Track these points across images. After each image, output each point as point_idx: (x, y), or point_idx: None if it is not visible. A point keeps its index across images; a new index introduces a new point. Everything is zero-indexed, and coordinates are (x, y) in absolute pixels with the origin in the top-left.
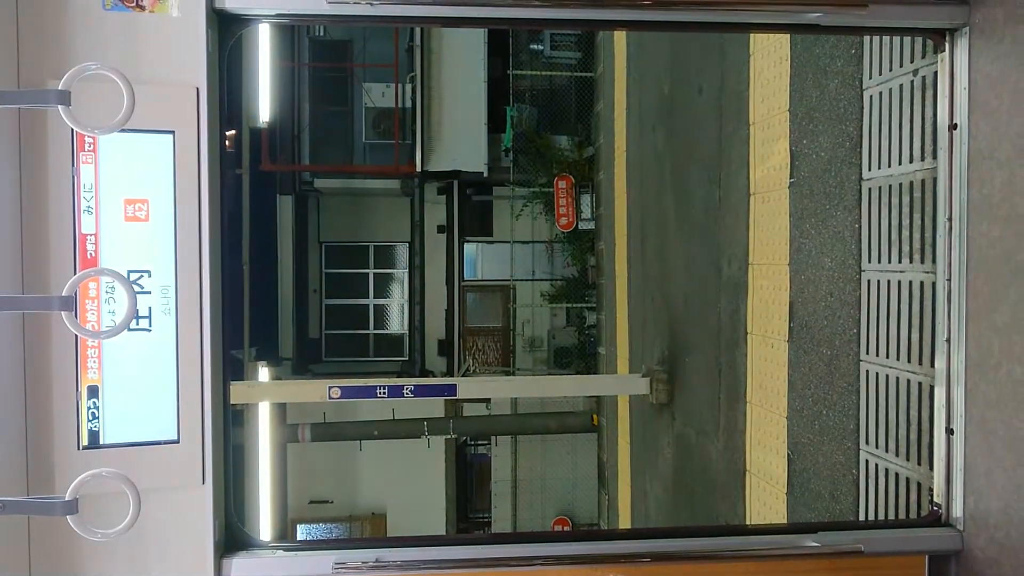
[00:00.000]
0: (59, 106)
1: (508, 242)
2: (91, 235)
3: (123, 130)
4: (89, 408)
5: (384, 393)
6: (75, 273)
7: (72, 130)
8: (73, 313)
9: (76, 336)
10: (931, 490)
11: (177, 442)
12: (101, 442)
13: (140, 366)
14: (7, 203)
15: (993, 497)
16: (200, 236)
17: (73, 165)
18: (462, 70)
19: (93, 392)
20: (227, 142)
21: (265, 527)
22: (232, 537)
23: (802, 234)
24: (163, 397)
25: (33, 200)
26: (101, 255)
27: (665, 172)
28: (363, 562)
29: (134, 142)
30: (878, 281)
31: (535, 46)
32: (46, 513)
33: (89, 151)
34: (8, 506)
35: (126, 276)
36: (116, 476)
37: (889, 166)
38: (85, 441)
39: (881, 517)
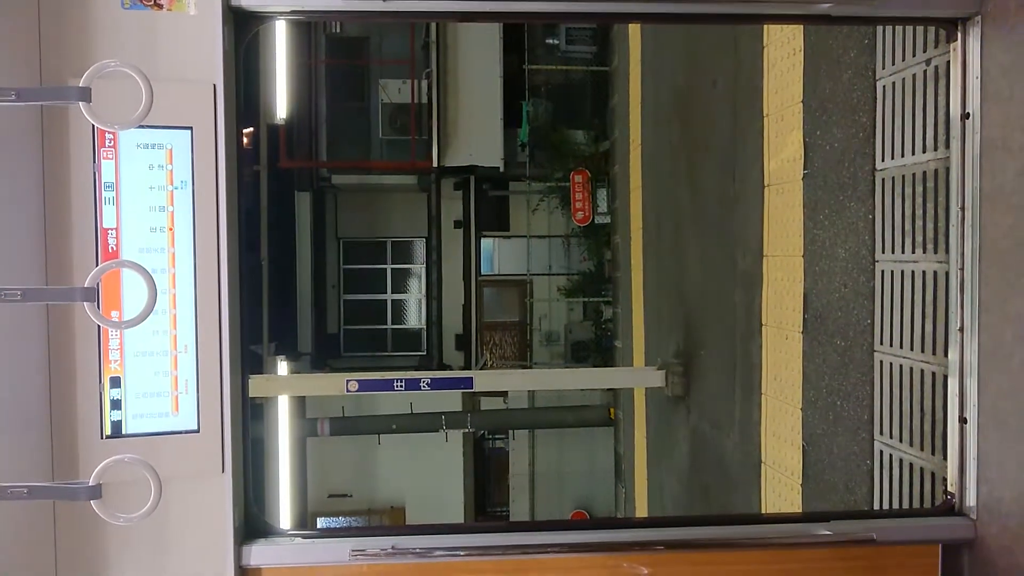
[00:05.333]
0: (80, 103)
1: (524, 237)
2: (112, 229)
3: (142, 126)
4: (112, 398)
5: (401, 386)
6: (97, 265)
7: (93, 126)
8: (96, 304)
9: (99, 328)
10: (945, 479)
11: (198, 432)
12: (123, 432)
13: (160, 358)
14: (31, 198)
15: (1006, 486)
16: (218, 230)
17: (94, 160)
18: (478, 65)
19: (115, 383)
20: (245, 139)
21: (285, 521)
22: (251, 524)
23: (816, 225)
24: (183, 388)
25: (56, 194)
26: (122, 248)
27: (680, 165)
28: (380, 549)
29: (153, 138)
30: (892, 271)
31: (550, 40)
32: (71, 498)
33: (110, 147)
34: (34, 491)
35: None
36: (138, 462)
37: (902, 156)
38: (108, 431)
39: (895, 507)
